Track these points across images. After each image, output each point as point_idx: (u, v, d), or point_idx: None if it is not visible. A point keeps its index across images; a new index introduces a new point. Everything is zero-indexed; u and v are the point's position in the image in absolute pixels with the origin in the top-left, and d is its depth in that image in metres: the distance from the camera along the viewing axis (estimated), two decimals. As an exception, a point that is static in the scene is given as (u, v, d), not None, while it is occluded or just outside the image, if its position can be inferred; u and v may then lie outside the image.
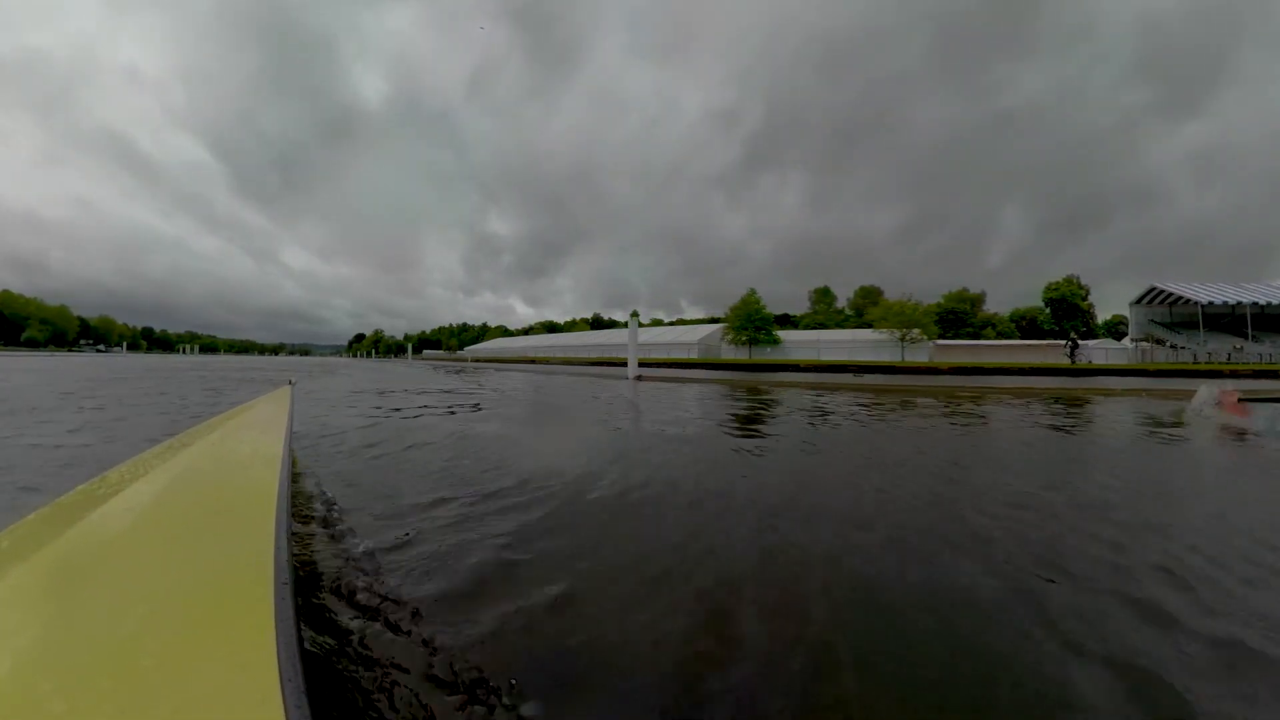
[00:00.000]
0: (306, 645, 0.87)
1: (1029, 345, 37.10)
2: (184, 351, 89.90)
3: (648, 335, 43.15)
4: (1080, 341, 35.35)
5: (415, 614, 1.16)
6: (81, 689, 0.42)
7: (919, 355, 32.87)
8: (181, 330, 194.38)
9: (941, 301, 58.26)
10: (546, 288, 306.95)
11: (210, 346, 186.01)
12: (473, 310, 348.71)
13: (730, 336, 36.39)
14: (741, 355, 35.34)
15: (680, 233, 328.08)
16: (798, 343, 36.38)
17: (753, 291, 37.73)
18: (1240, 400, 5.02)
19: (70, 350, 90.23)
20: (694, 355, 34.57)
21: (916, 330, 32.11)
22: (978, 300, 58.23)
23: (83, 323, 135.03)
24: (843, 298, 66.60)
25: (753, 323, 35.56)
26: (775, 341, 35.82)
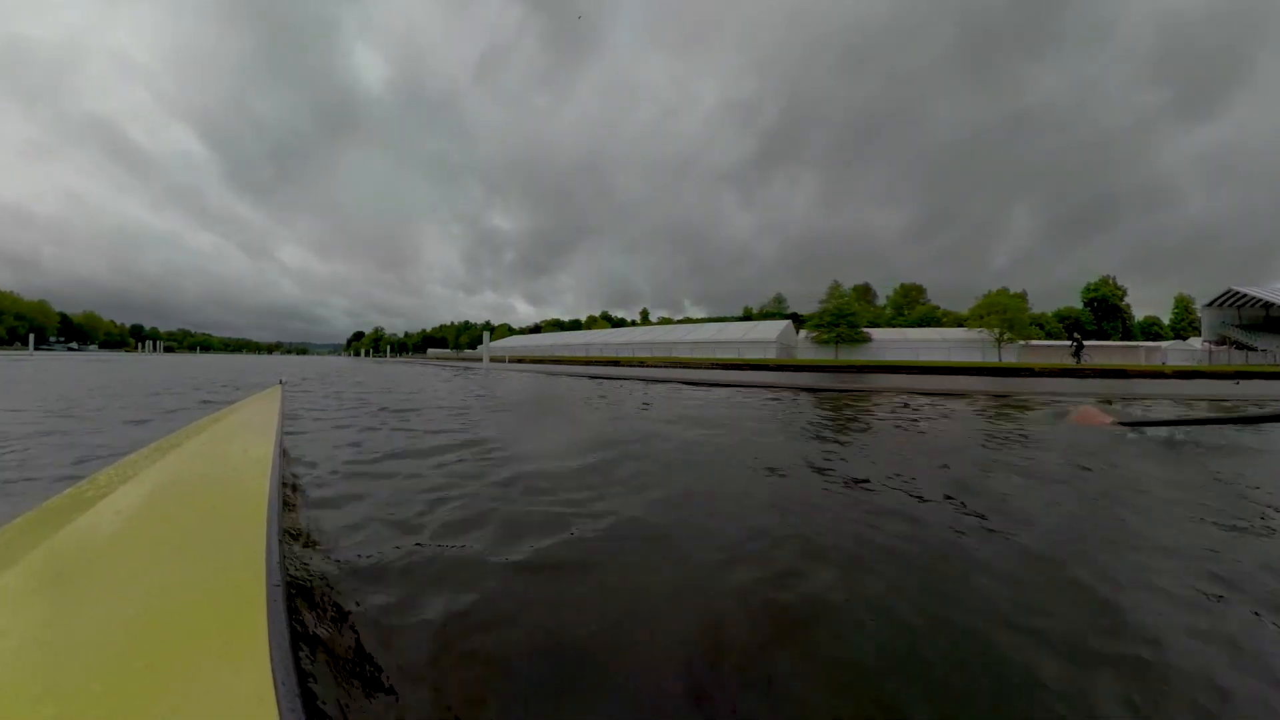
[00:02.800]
0: (300, 647, 0.83)
1: (1125, 347, 35.85)
2: (144, 349, 69.80)
3: (705, 332, 40.30)
4: (1161, 345, 34.17)
5: (416, 617, 1.10)
6: (73, 693, 0.42)
7: (1007, 356, 31.16)
8: (174, 328, 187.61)
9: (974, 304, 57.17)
10: (548, 286, 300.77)
11: (205, 344, 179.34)
12: (472, 309, 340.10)
13: (815, 334, 33.92)
14: (824, 355, 33.04)
15: (687, 230, 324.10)
16: (883, 342, 34.20)
17: (837, 284, 35.70)
18: None
19: (36, 349, 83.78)
20: (771, 355, 32.27)
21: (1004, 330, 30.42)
22: (1021, 299, 56.98)
23: (64, 319, 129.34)
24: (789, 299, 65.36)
25: (845, 319, 33.26)
26: (864, 340, 33.45)
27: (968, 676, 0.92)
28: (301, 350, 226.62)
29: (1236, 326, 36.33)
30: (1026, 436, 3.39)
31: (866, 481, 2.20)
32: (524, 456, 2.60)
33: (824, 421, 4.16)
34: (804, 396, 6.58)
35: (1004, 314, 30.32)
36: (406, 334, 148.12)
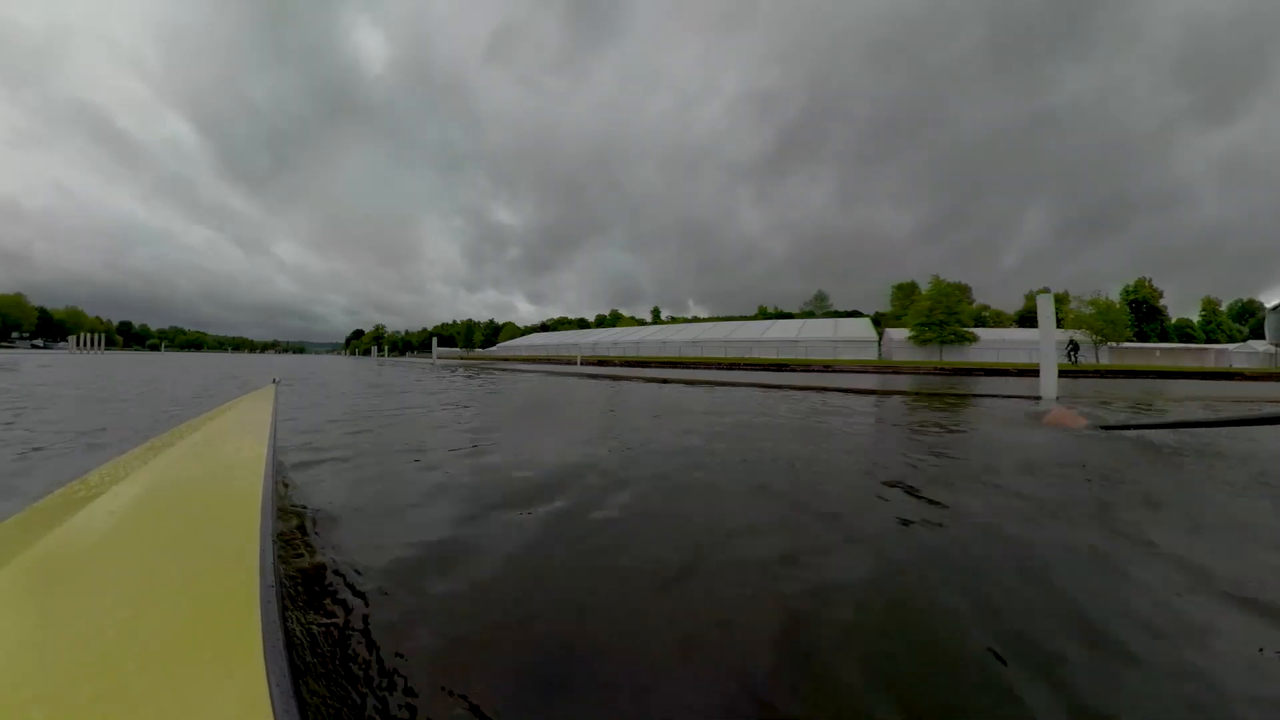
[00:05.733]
0: (295, 649, 0.82)
1: (1195, 349, 35.15)
2: (85, 346, 55.89)
3: (784, 331, 37.78)
4: (1229, 348, 33.89)
5: (414, 613, 1.10)
6: (64, 696, 0.42)
7: (1090, 357, 30.16)
8: (166, 325, 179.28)
9: (1026, 303, 56.68)
10: (551, 284, 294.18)
11: (197, 343, 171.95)
12: (473, 307, 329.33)
13: (917, 334, 32.20)
14: (918, 356, 31.46)
15: (695, 227, 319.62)
16: (989, 343, 32.59)
17: (939, 279, 34.15)
18: None
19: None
20: (872, 356, 30.68)
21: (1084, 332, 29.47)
22: (1064, 300, 56.48)
23: (44, 314, 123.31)
24: (857, 296, 65.05)
25: (955, 316, 31.69)
26: (973, 340, 31.81)
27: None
28: (299, 349, 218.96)
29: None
30: None
31: None
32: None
33: None
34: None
35: (1106, 315, 29.30)
36: (408, 331, 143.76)
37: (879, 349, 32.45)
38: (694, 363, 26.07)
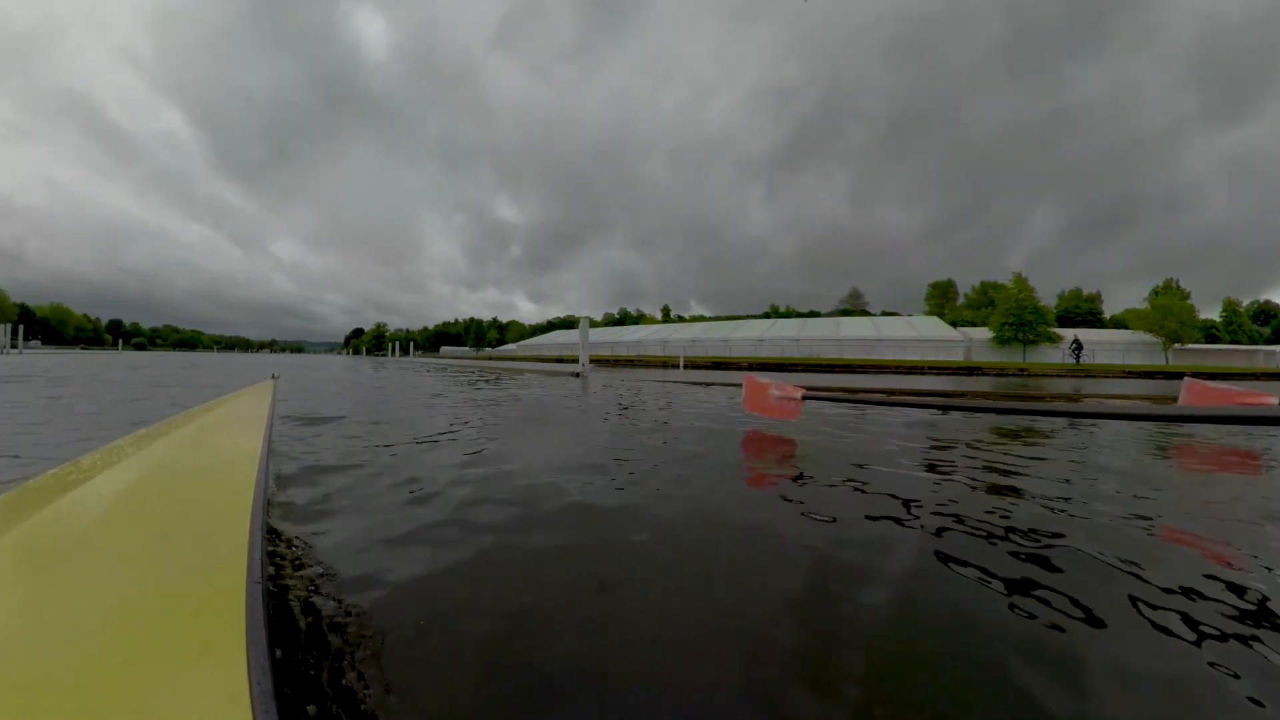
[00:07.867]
0: (278, 645, 0.77)
1: (1244, 350, 36.19)
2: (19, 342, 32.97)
3: (858, 330, 37.19)
4: (1277, 350, 35.03)
5: (398, 614, 1.08)
6: (40, 685, 0.41)
7: (1157, 358, 30.89)
8: (159, 324, 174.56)
9: (1059, 302, 57.77)
10: (552, 283, 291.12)
11: (192, 342, 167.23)
12: (473, 307, 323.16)
13: (998, 334, 32.48)
14: (1001, 358, 31.82)
15: (700, 225, 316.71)
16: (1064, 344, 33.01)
17: (1019, 276, 34.50)
18: None
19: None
20: (958, 356, 30.99)
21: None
22: (1095, 299, 57.66)
23: (25, 311, 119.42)
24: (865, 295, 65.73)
25: (1040, 316, 32.07)
26: (1056, 340, 32.25)
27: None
28: (297, 348, 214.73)
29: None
30: None
31: None
32: None
33: None
34: None
35: (1178, 316, 29.99)
36: (409, 330, 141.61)
37: (963, 349, 32.74)
38: (829, 364, 24.72)
